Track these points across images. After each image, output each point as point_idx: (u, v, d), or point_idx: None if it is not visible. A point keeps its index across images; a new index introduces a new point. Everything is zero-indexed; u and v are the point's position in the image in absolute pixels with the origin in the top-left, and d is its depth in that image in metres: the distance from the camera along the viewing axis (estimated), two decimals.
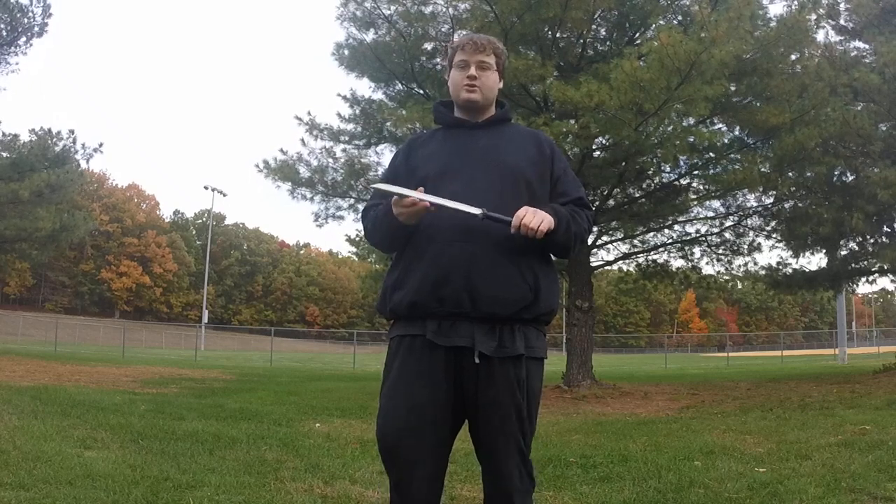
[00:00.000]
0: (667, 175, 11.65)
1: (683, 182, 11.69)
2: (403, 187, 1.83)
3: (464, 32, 9.75)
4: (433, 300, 1.80)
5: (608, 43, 11.20)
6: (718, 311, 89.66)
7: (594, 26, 10.62)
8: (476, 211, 1.75)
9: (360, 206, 12.26)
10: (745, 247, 12.93)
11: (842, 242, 12.95)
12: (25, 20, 13.82)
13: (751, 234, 12.82)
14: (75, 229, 16.58)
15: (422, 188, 1.79)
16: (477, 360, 1.78)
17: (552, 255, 1.94)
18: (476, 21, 9.35)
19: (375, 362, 24.18)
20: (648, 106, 8.20)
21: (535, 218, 1.73)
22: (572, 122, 9.70)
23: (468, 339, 1.79)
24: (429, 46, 10.73)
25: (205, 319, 43.43)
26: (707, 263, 13.41)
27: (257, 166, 11.86)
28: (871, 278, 13.66)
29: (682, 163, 10.82)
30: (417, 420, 1.78)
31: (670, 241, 13.24)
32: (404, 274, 1.87)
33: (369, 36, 10.88)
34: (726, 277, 14.17)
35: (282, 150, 12.08)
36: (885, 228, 12.40)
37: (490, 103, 2.03)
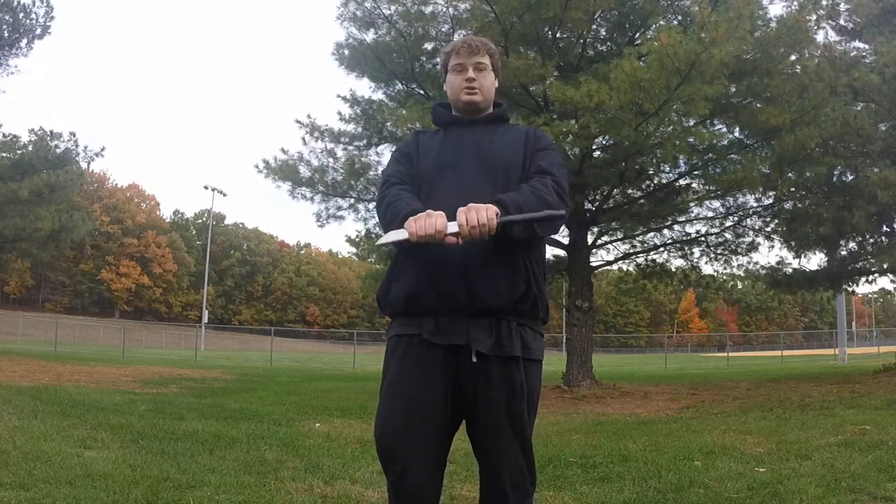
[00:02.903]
0: (667, 175, 11.66)
1: (683, 182, 11.69)
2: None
3: (464, 32, 9.77)
4: (431, 293, 1.80)
5: (608, 43, 11.20)
6: (718, 311, 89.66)
7: (594, 26, 10.62)
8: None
9: (361, 207, 12.28)
10: (744, 247, 12.94)
11: (842, 242, 12.96)
12: (28, 21, 13.79)
13: (751, 234, 12.83)
14: (75, 229, 16.58)
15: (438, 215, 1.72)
16: (474, 359, 1.78)
17: (534, 235, 1.83)
18: (476, 21, 9.35)
19: (375, 362, 24.17)
20: (648, 106, 8.20)
21: (476, 215, 1.66)
22: (572, 122, 9.70)
23: (465, 336, 1.79)
24: (429, 46, 10.73)
25: (205, 319, 43.41)
26: (706, 263, 13.43)
27: (257, 167, 11.88)
28: (871, 278, 13.65)
29: (682, 163, 10.82)
30: (415, 419, 1.78)
31: (670, 241, 13.25)
32: (402, 268, 1.89)
33: (369, 36, 10.89)
34: (725, 277, 14.17)
35: (282, 150, 12.10)
36: (885, 228, 12.41)
37: (489, 105, 2.05)
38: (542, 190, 1.81)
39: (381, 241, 1.83)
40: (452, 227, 1.71)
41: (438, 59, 11.53)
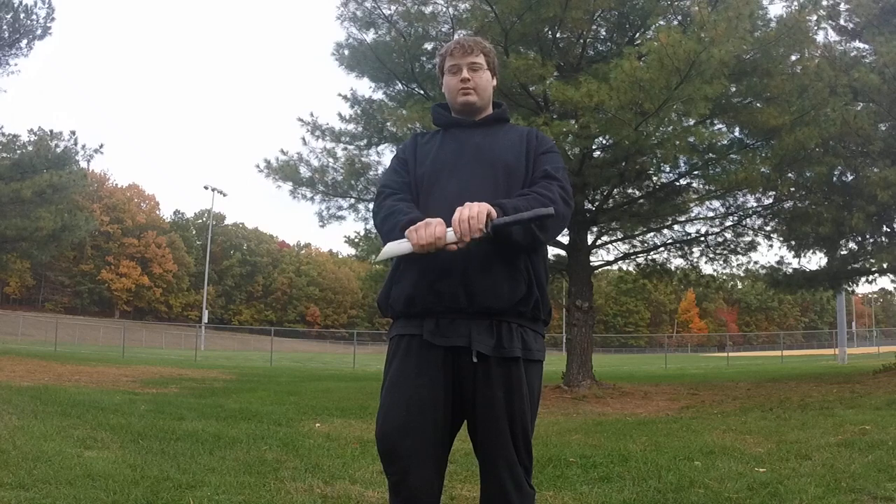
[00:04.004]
0: (667, 175, 11.65)
1: (683, 182, 11.69)
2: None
3: (464, 32, 9.77)
4: (430, 295, 1.80)
5: (608, 43, 11.20)
6: (718, 311, 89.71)
7: (594, 26, 10.62)
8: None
9: (361, 207, 12.27)
10: (744, 246, 12.96)
11: (842, 242, 12.96)
12: (28, 22, 13.81)
13: (750, 233, 12.83)
14: (76, 229, 16.59)
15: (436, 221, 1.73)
16: (475, 360, 1.78)
17: (536, 240, 1.82)
18: (476, 21, 9.34)
19: (375, 362, 24.17)
20: (648, 106, 8.20)
21: (468, 211, 1.67)
22: (572, 122, 9.70)
23: (465, 338, 1.79)
24: (429, 46, 10.72)
25: (205, 319, 43.41)
26: (706, 263, 13.44)
27: (258, 166, 11.87)
28: (870, 278, 13.66)
29: (682, 163, 10.82)
30: (416, 419, 1.78)
31: (670, 241, 13.25)
32: (403, 270, 1.89)
33: (369, 36, 10.88)
34: (725, 277, 14.18)
35: (282, 151, 12.10)
36: (885, 228, 12.41)
37: (487, 103, 2.05)
38: (547, 196, 1.81)
39: (384, 255, 1.81)
40: (451, 234, 1.71)
41: (438, 59, 11.51)
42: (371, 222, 12.71)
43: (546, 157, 1.96)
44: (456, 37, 10.07)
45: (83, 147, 15.69)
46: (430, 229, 1.70)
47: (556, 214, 1.78)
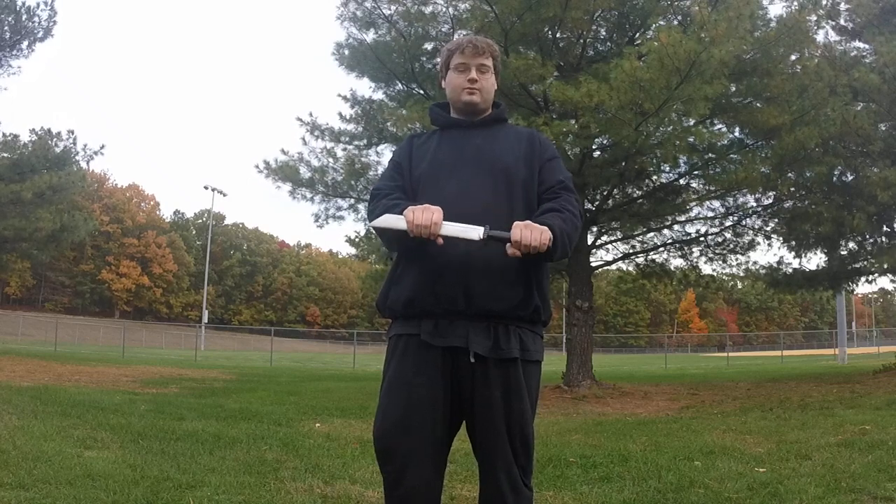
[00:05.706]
0: (667, 175, 11.65)
1: (683, 182, 11.69)
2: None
3: (464, 32, 9.77)
4: (429, 297, 1.81)
5: (608, 43, 11.20)
6: (718, 311, 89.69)
7: (594, 26, 10.62)
8: (476, 234, 1.73)
9: (361, 207, 12.26)
10: (743, 246, 12.96)
11: (842, 242, 12.96)
12: (30, 24, 13.80)
13: (750, 233, 12.84)
14: (76, 230, 16.57)
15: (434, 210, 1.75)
16: (472, 360, 1.78)
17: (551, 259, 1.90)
18: (476, 21, 9.34)
19: (375, 362, 24.16)
20: (648, 106, 8.20)
21: (531, 234, 1.69)
22: (572, 122, 9.70)
23: (463, 338, 1.79)
24: (429, 46, 10.73)
25: (205, 319, 43.39)
26: (706, 263, 13.44)
27: (257, 167, 11.85)
28: (870, 278, 13.66)
29: (682, 163, 10.82)
30: (414, 418, 1.79)
31: (670, 241, 13.25)
32: (402, 272, 1.89)
33: (369, 36, 10.88)
34: (725, 277, 14.18)
35: (283, 151, 12.10)
36: (885, 228, 12.41)
37: (488, 106, 2.05)
38: (571, 213, 1.86)
39: (379, 223, 1.81)
40: (475, 231, 1.72)
41: (439, 59, 11.46)
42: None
43: (554, 165, 1.98)
44: (456, 36, 10.11)
45: (83, 147, 15.70)
46: (429, 214, 1.72)
47: (577, 228, 1.87)
